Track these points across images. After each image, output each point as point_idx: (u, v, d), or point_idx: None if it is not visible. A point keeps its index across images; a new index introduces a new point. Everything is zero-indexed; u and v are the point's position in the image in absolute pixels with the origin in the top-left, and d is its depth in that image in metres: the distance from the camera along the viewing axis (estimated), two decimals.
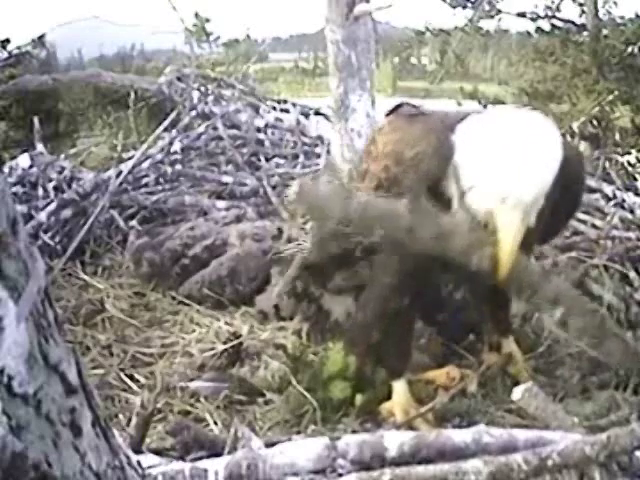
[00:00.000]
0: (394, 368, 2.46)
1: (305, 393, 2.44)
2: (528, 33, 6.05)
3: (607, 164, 4.94)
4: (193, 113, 6.06)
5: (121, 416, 2.48)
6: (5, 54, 7.29)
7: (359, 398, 2.41)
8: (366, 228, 1.84)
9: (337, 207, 1.81)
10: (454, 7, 5.78)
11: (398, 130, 2.38)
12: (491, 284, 2.59)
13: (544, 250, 3.70)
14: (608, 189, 4.52)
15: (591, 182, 4.74)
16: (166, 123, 4.98)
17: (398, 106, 2.55)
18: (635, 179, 5.05)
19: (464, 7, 5.79)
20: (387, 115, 2.58)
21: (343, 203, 1.81)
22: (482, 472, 1.52)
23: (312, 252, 2.41)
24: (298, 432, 2.28)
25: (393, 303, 2.37)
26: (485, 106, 5.92)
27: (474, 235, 1.89)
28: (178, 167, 5.00)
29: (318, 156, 5.52)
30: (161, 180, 4.81)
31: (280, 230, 3.31)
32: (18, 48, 7.46)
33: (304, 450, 1.76)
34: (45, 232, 3.78)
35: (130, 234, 3.93)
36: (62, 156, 5.04)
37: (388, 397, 2.43)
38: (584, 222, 3.97)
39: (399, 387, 2.42)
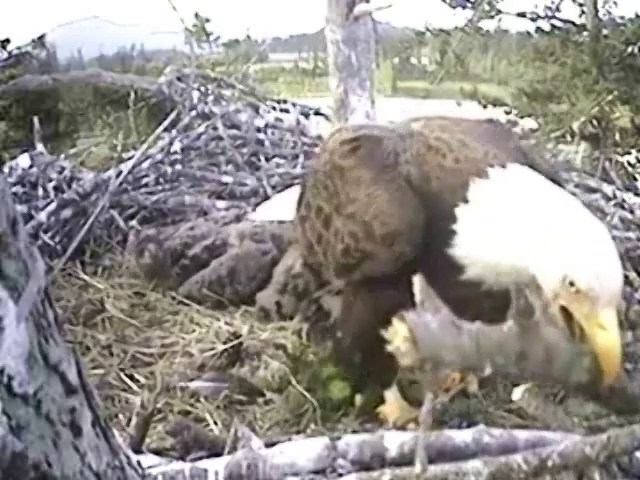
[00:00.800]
0: (381, 382, 2.42)
1: (305, 393, 2.45)
2: (528, 33, 6.04)
3: (607, 164, 4.94)
4: (193, 113, 6.05)
5: (121, 416, 2.48)
6: (5, 54, 7.28)
7: (358, 398, 2.41)
8: (478, 361, 1.60)
9: (451, 345, 1.56)
10: (454, 7, 5.77)
11: (371, 187, 2.10)
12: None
13: None
14: (608, 189, 4.53)
15: (591, 182, 4.75)
16: (166, 123, 4.98)
17: (357, 139, 2.26)
18: (635, 179, 5.05)
19: (464, 7, 5.77)
20: (343, 143, 2.26)
21: (456, 339, 1.57)
22: (482, 472, 1.52)
23: None
24: (298, 432, 2.28)
25: (371, 330, 2.20)
26: (485, 106, 5.92)
27: (571, 347, 1.68)
28: (178, 167, 5.00)
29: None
30: (161, 180, 4.80)
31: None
32: (18, 48, 7.44)
33: (304, 450, 1.76)
34: (45, 232, 3.78)
35: (130, 234, 3.93)
36: (62, 156, 5.04)
37: None
38: None
39: (390, 395, 2.40)
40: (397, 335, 1.56)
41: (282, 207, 3.21)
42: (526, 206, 1.87)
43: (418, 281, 1.59)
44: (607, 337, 1.68)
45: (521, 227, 1.85)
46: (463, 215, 1.95)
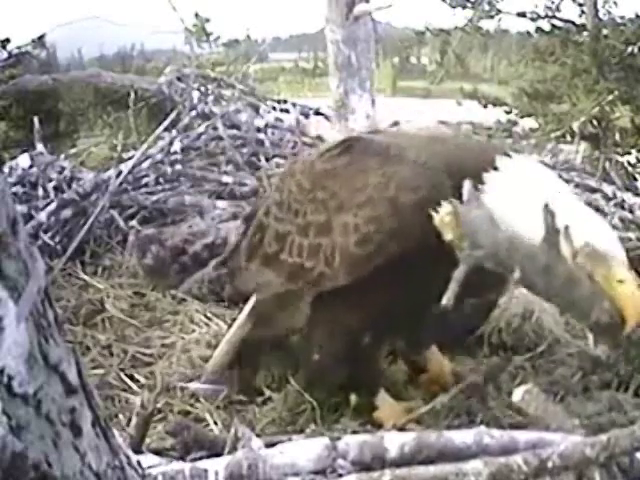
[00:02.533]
0: (368, 392, 2.39)
1: (303, 392, 2.44)
2: (528, 33, 6.04)
3: (607, 164, 4.94)
4: (193, 113, 6.05)
5: (121, 416, 2.48)
6: (5, 54, 7.28)
7: (353, 398, 2.40)
8: (507, 264, 1.72)
9: (488, 238, 1.70)
10: (454, 7, 5.77)
11: (382, 168, 2.08)
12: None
13: None
14: (608, 189, 4.53)
15: (591, 182, 4.75)
16: (166, 123, 4.97)
17: (345, 140, 2.31)
18: (635, 179, 5.06)
19: (464, 7, 5.78)
20: (331, 153, 2.27)
21: (493, 234, 1.71)
22: (482, 473, 1.51)
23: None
24: (294, 431, 2.28)
25: (358, 341, 2.27)
26: (485, 106, 5.93)
27: (595, 286, 1.86)
28: (178, 167, 4.99)
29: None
30: (161, 180, 4.80)
31: None
32: (18, 48, 7.44)
33: (304, 450, 1.76)
34: (45, 232, 3.78)
35: (130, 234, 3.93)
36: (62, 156, 5.04)
37: None
38: None
39: (380, 401, 2.37)
40: (443, 208, 1.71)
41: None
42: (540, 188, 1.98)
43: (467, 184, 1.75)
44: (627, 288, 1.85)
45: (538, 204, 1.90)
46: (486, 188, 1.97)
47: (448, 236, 1.69)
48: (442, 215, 1.70)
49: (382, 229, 2.03)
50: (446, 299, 1.65)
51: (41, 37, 7.80)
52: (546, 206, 1.78)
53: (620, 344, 1.96)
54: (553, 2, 5.70)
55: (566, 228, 1.84)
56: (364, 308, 2.18)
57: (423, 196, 1.95)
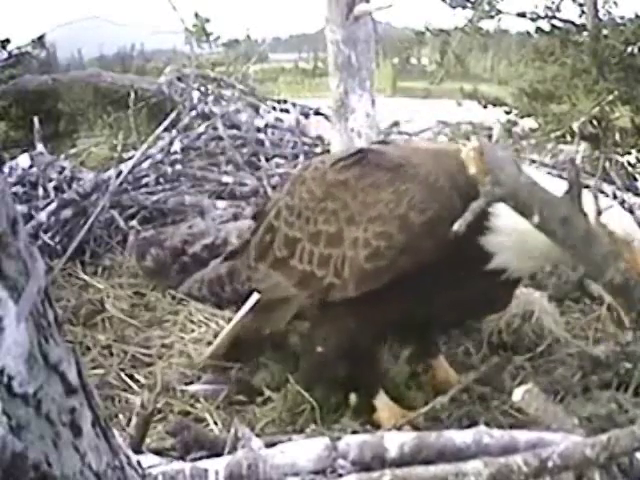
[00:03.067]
0: (367, 391, 2.39)
1: (303, 392, 2.44)
2: (528, 33, 6.03)
3: (607, 164, 4.93)
4: (193, 113, 6.05)
5: (121, 416, 2.48)
6: (5, 54, 7.28)
7: (353, 397, 2.40)
8: (526, 208, 1.72)
9: (510, 177, 1.70)
10: (454, 7, 5.76)
11: (394, 184, 2.11)
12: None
13: None
14: (608, 189, 4.52)
15: (591, 182, 4.75)
16: (166, 123, 4.98)
17: (358, 152, 2.32)
18: (635, 179, 5.05)
19: (464, 7, 5.77)
20: (342, 163, 2.29)
21: (515, 175, 1.71)
22: (482, 473, 1.51)
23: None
24: (294, 431, 2.28)
25: (363, 344, 2.30)
26: (485, 106, 5.93)
27: (613, 246, 1.89)
28: (178, 167, 5.00)
29: (318, 156, 5.51)
30: (161, 180, 4.81)
31: None
32: (18, 48, 7.44)
33: (304, 450, 1.76)
34: (45, 232, 3.79)
35: (130, 234, 3.93)
36: (62, 156, 5.05)
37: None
38: None
39: (379, 402, 2.37)
40: (470, 143, 1.71)
41: None
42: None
43: (497, 127, 1.76)
44: None
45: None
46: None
47: (472, 170, 1.69)
48: (468, 149, 1.70)
49: (392, 245, 2.06)
50: (457, 225, 1.64)
51: (41, 37, 7.80)
52: (572, 160, 1.80)
53: (635, 307, 1.95)
54: (553, 2, 5.69)
55: (596, 188, 1.87)
56: (369, 318, 2.21)
57: (431, 217, 2.01)
